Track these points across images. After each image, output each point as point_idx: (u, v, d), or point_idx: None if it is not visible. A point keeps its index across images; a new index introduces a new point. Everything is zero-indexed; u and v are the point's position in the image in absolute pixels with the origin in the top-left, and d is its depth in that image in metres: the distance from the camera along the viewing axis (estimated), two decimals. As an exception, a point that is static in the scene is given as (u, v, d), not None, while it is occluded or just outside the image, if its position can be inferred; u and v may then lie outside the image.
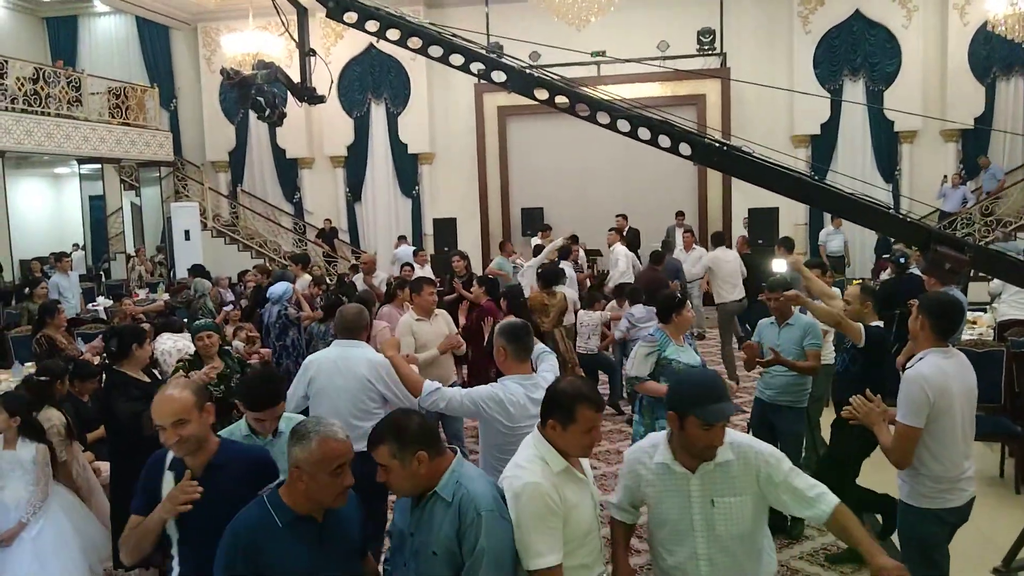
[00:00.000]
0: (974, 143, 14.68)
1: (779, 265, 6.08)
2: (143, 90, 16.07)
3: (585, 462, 2.68)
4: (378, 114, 16.47)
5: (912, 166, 14.85)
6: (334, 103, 16.38)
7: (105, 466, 5.02)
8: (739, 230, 14.40)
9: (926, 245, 4.02)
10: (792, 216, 14.63)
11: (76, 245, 16.26)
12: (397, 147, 16.47)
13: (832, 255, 13.47)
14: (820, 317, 4.72)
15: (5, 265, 13.01)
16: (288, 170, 17.10)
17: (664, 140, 4.20)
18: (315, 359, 4.34)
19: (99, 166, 15.33)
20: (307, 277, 9.60)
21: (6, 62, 12.86)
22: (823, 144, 14.94)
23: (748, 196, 13.94)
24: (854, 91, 14.89)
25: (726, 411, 2.52)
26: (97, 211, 16.44)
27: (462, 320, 6.74)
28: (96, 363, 7.14)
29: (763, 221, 13.83)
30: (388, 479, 2.39)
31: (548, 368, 3.64)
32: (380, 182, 16.69)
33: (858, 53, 14.76)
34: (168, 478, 2.71)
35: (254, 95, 3.98)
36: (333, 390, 4.16)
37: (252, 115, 15.79)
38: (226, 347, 5.46)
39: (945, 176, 14.27)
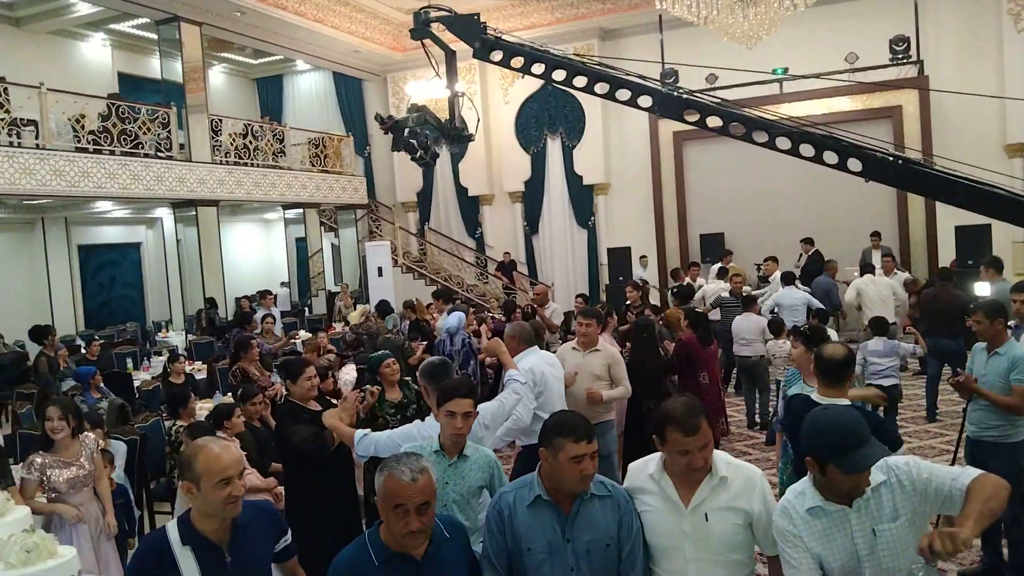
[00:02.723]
0: None
1: (983, 287, 5.45)
2: (339, 139, 17.28)
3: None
4: (554, 148, 16.69)
5: None
6: (511, 140, 16.83)
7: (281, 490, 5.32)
8: (946, 252, 13.15)
9: None
10: (1009, 233, 13.13)
11: (284, 283, 17.70)
12: (572, 179, 16.59)
13: None
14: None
15: (220, 303, 14.33)
16: (470, 207, 17.70)
17: (831, 156, 3.89)
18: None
19: (301, 211, 16.63)
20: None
21: (221, 121, 14.28)
22: (1044, 151, 13.37)
23: (956, 212, 12.69)
24: (1079, 91, 13.22)
25: (870, 458, 2.35)
26: (301, 252, 17.83)
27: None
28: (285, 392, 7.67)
29: (973, 240, 12.50)
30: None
31: (510, 393, 4.02)
32: (556, 214, 16.86)
33: (1083, 49, 13.11)
34: (185, 556, 2.49)
35: (407, 137, 4.10)
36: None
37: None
38: (406, 377, 5.63)
39: None
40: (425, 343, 9.42)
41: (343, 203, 17.23)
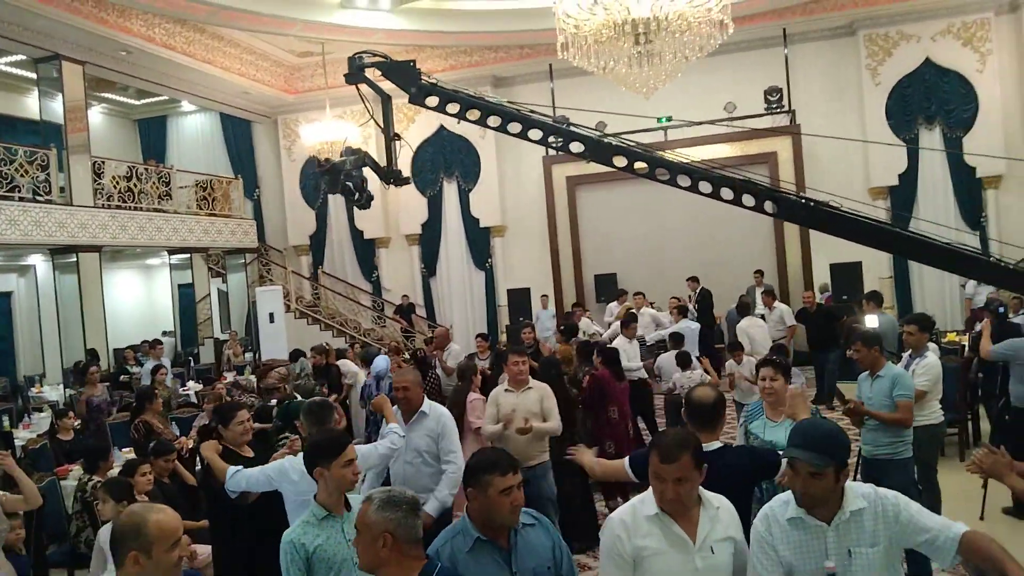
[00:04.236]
0: (1065, 184, 14.11)
1: (871, 320, 5.91)
2: (228, 181, 16.84)
3: None
4: (450, 191, 16.86)
5: (999, 211, 14.30)
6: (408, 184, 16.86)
7: (203, 549, 5.10)
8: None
9: (1033, 292, 3.86)
10: (876, 270, 14.23)
11: (166, 332, 16.92)
12: (469, 222, 16.78)
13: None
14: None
15: (100, 354, 13.57)
16: (366, 250, 17.57)
17: (748, 199, 4.17)
18: None
19: (188, 256, 16.03)
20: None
21: (103, 163, 13.68)
22: (902, 194, 14.56)
23: (829, 251, 13.67)
24: (931, 139, 14.55)
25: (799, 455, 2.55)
26: (186, 298, 17.13)
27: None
28: (191, 445, 7.36)
29: (846, 276, 13.47)
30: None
31: (386, 442, 4.29)
32: (454, 256, 16.97)
33: (932, 101, 14.45)
34: None
35: (343, 180, 4.12)
36: None
37: (330, 199, 16.42)
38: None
39: (1036, 220, 13.72)
40: (328, 389, 9.32)
41: (232, 247, 16.73)
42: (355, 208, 16.83)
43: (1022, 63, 14.20)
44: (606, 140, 4.00)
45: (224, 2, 12.28)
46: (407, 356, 10.79)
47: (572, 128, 3.94)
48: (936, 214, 13.89)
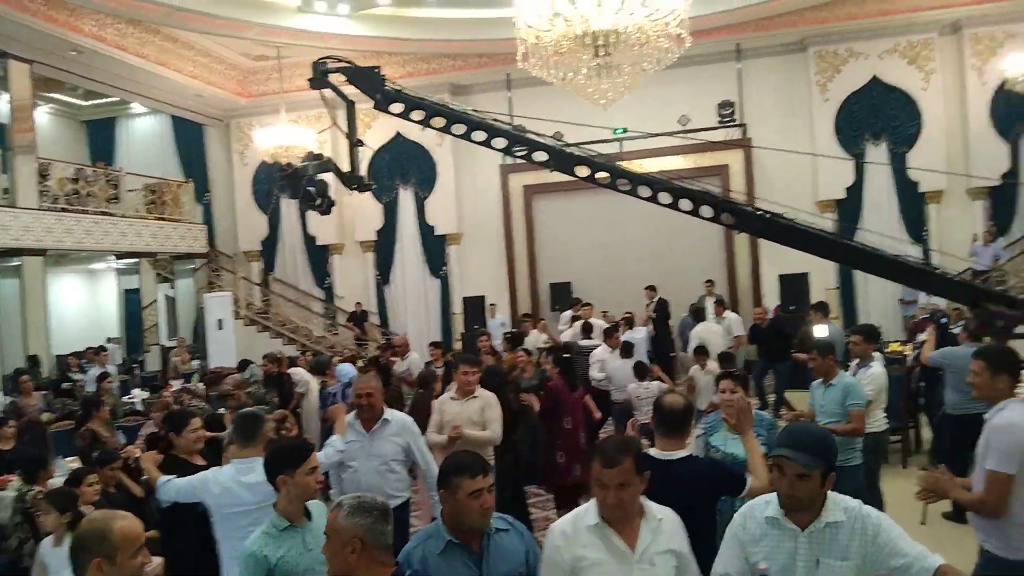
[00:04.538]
0: (1002, 200, 14.64)
1: (821, 329, 6.06)
2: (178, 185, 16.55)
3: None
4: (406, 198, 16.79)
5: (940, 226, 14.78)
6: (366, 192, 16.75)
7: (155, 559, 4.98)
8: (770, 298, 14.35)
9: (974, 303, 4.01)
10: (823, 281, 14.57)
11: (111, 339, 16.52)
12: (425, 229, 16.72)
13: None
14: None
15: (42, 361, 13.19)
16: (319, 256, 17.38)
17: (707, 210, 4.25)
18: None
19: (136, 260, 15.69)
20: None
21: (49, 164, 13.33)
22: (849, 208, 14.94)
23: (777, 262, 13.97)
24: (877, 154, 14.97)
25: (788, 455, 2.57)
26: (132, 304, 16.76)
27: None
28: (138, 454, 7.19)
29: (794, 287, 13.76)
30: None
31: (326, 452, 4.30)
32: (409, 264, 16.89)
33: (878, 117, 14.89)
34: None
35: (305, 185, 4.10)
36: None
37: (283, 204, 16.21)
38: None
39: (975, 235, 14.19)
40: (280, 399, 9.18)
41: (181, 252, 16.42)
42: (317, 213, 16.78)
43: (963, 82, 14.71)
44: (569, 151, 4.04)
45: (180, 3, 12.09)
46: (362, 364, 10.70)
47: (536, 138, 3.97)
48: (881, 227, 14.25)
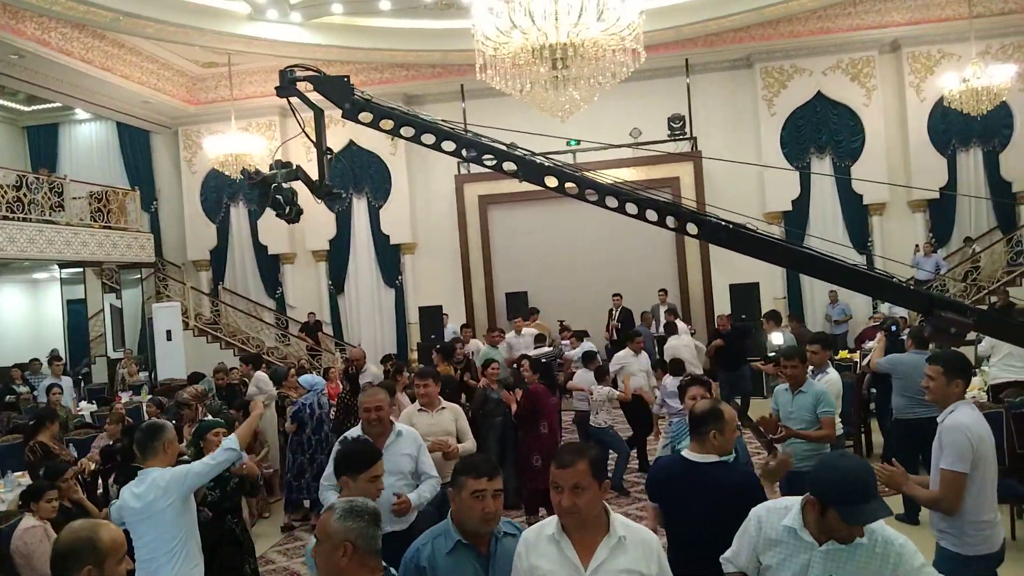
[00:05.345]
0: (941, 212, 15.20)
1: (778, 337, 6.21)
2: (124, 193, 16.19)
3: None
4: (359, 208, 16.71)
5: (883, 236, 15.29)
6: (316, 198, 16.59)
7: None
8: (721, 307, 14.61)
9: (927, 311, 4.17)
10: (772, 290, 14.92)
11: (55, 351, 16.00)
12: (379, 239, 16.65)
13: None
14: None
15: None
16: (270, 266, 17.16)
17: (671, 220, 4.35)
18: None
19: (80, 270, 15.29)
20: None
21: (-11, 171, 12.96)
22: (796, 219, 15.34)
23: (727, 272, 14.26)
24: (822, 168, 15.44)
25: (875, 514, 2.45)
26: (76, 315, 16.28)
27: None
28: (93, 467, 7.02)
29: (744, 296, 14.07)
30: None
31: (205, 459, 4.14)
32: (363, 274, 16.78)
33: (823, 131, 15.36)
34: None
35: (273, 193, 4.08)
36: None
37: (232, 213, 15.96)
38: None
39: (917, 245, 14.70)
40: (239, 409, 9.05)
41: (128, 261, 16.05)
42: (285, 222, 16.67)
43: (903, 99, 15.25)
44: (539, 161, 4.11)
45: (128, 8, 11.87)
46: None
47: (508, 148, 4.03)
48: (827, 237, 14.67)
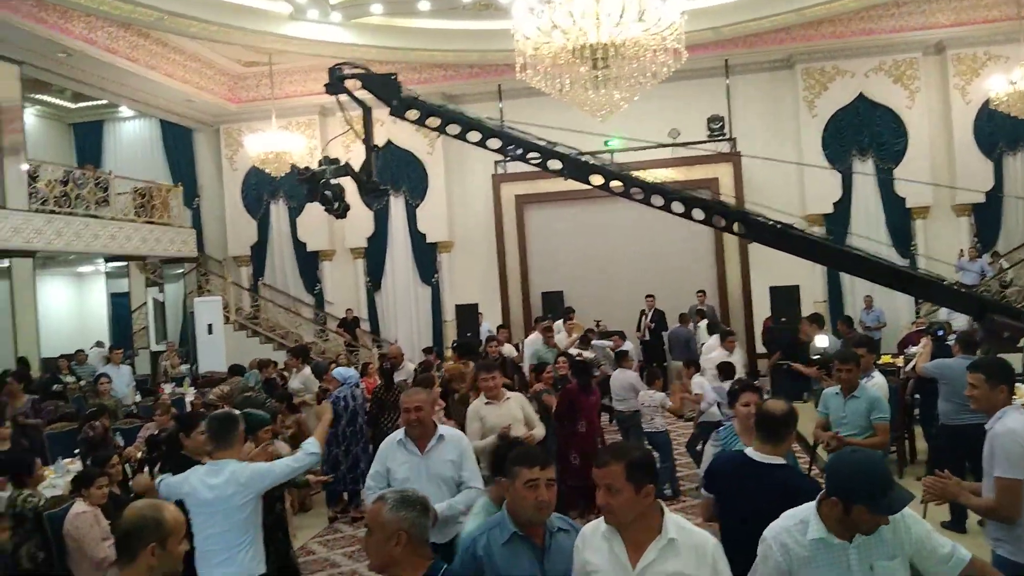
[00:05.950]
0: (987, 217, 14.90)
1: (822, 340, 6.14)
2: (167, 189, 16.47)
3: None
4: (397, 206, 16.81)
5: (927, 241, 15.00)
6: (353, 197, 16.68)
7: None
8: (761, 309, 14.48)
9: (980, 315, 4.10)
10: (812, 293, 14.74)
11: (99, 343, 16.36)
12: (416, 237, 16.75)
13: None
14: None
15: (31, 363, 13.06)
16: (309, 262, 17.34)
17: (718, 220, 4.33)
18: None
19: (124, 264, 15.58)
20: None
21: (39, 166, 13.25)
22: (837, 222, 15.10)
23: (767, 274, 14.10)
24: (863, 170, 15.19)
25: (904, 499, 2.50)
26: (120, 308, 16.63)
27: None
28: (139, 456, 7.16)
29: (784, 299, 13.89)
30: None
31: (287, 460, 4.14)
32: (400, 271, 16.91)
33: (865, 134, 15.13)
34: None
35: (322, 189, 4.13)
36: None
37: (272, 209, 16.15)
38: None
39: (961, 250, 14.41)
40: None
41: (170, 256, 16.33)
42: (296, 219, 16.76)
43: (947, 101, 14.97)
44: (584, 159, 4.11)
45: (172, 8, 12.07)
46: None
47: (551, 147, 4.04)
48: (868, 242, 14.45)
